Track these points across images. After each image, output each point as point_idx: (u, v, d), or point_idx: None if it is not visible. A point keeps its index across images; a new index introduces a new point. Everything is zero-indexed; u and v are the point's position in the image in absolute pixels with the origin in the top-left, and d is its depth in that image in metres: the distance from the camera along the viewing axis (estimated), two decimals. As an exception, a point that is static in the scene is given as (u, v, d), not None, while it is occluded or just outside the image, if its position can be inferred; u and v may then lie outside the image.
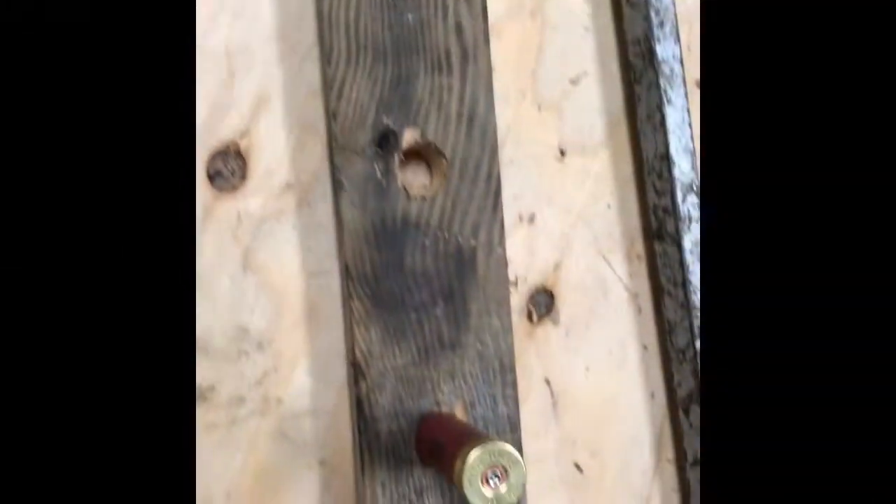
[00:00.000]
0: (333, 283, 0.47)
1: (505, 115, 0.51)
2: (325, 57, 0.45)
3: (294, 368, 0.46)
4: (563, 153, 0.52)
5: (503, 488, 0.38)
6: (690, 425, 0.53)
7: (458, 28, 0.46)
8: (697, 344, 0.52)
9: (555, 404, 0.52)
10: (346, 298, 0.45)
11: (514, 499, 0.39)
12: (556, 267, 0.52)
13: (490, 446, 0.39)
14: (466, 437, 0.41)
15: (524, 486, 0.39)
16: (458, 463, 0.39)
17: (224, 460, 0.45)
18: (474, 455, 0.38)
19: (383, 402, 0.45)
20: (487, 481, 0.39)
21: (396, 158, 0.45)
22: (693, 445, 0.53)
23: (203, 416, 0.44)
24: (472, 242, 0.47)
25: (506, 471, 0.39)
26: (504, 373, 0.48)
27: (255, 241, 0.46)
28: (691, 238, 0.52)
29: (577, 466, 0.53)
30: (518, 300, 0.52)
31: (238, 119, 0.45)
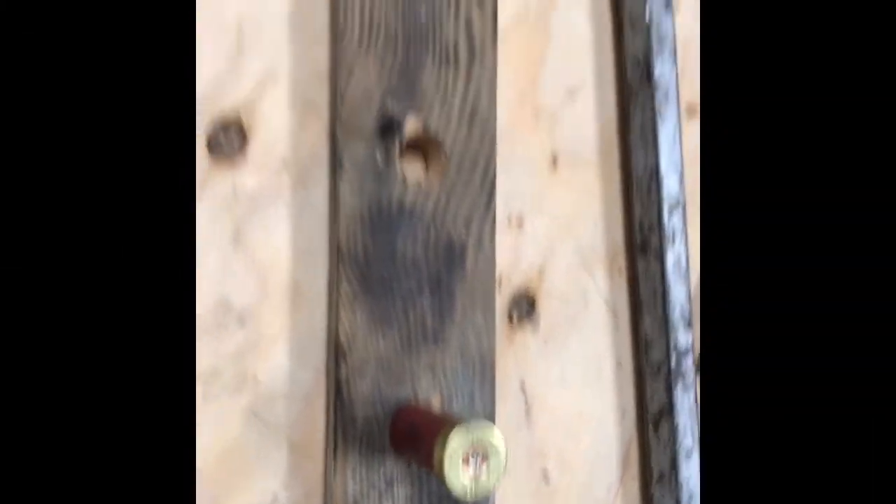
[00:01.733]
0: (320, 263, 0.47)
1: (502, 117, 0.52)
2: (338, 37, 0.45)
3: (273, 347, 0.46)
4: (555, 162, 0.53)
5: (483, 471, 0.38)
6: (659, 440, 0.53)
7: (469, 25, 0.47)
8: (672, 360, 0.53)
9: (528, 411, 0.52)
10: (335, 280, 0.45)
11: (490, 485, 0.39)
12: (540, 273, 0.53)
13: (473, 424, 0.38)
14: (445, 420, 0.40)
15: (502, 471, 0.39)
16: (438, 444, 0.39)
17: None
18: (457, 435, 0.38)
19: (363, 387, 0.45)
20: (468, 462, 0.38)
21: (398, 146, 0.46)
22: (660, 462, 0.53)
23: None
24: (464, 236, 0.47)
25: (486, 454, 0.39)
26: (484, 370, 0.48)
27: (248, 215, 0.45)
28: (674, 254, 0.53)
29: (545, 476, 0.53)
30: (500, 302, 0.52)
31: (242, 93, 0.45)
